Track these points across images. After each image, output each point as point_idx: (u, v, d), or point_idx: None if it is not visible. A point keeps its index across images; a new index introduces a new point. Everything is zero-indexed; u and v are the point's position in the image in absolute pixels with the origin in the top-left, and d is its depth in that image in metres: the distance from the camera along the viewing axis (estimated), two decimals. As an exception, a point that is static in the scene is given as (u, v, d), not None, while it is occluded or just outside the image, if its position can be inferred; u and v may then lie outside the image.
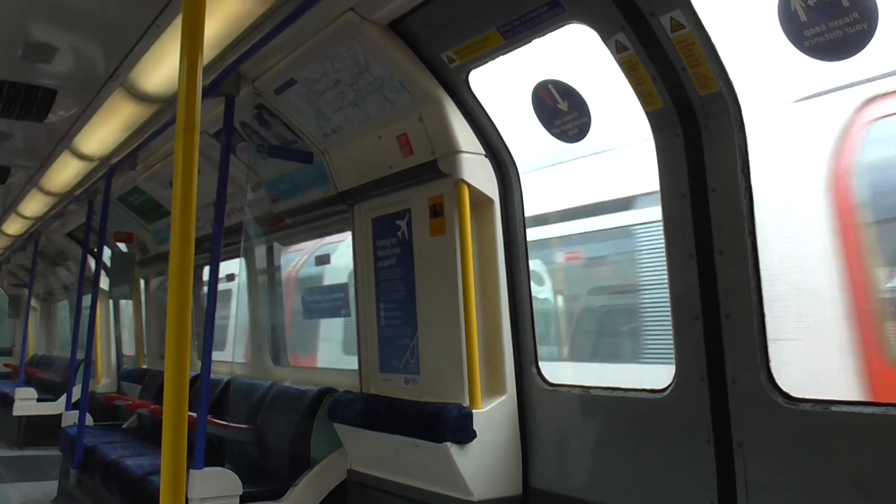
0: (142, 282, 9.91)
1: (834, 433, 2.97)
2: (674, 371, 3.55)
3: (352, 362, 5.57)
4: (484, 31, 3.95)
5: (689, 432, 3.46)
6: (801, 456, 3.06)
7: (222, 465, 4.87)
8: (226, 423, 5.89)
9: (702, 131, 3.37)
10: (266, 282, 7.12)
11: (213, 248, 4.96)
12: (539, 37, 3.82)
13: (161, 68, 4.99)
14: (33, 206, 9.70)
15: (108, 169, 7.35)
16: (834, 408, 2.98)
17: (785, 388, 3.15)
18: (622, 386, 3.89)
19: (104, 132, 6.42)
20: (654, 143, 3.59)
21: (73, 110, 6.13)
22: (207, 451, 4.71)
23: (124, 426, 8.63)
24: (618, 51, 3.44)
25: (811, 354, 3.66)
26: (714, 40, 3.19)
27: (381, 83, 4.50)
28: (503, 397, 4.35)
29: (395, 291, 4.93)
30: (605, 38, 3.47)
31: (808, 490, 3.04)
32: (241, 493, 4.74)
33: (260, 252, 7.03)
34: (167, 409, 2.87)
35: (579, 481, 4.06)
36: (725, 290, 3.32)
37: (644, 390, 3.74)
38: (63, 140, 6.84)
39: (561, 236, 6.28)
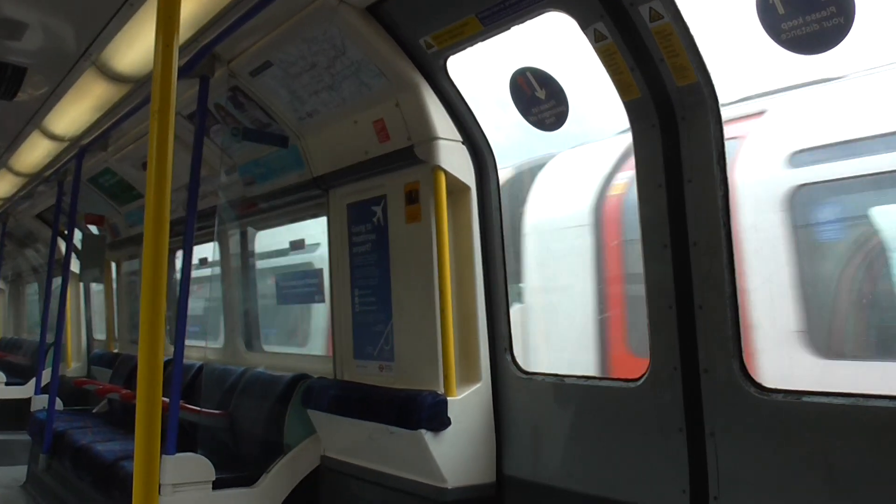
0: (113, 265, 9.81)
1: (804, 423, 3.00)
2: (648, 360, 3.57)
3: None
4: (463, 16, 3.93)
5: (661, 421, 3.48)
6: (772, 445, 3.09)
7: (195, 451, 4.84)
8: (198, 408, 5.85)
9: (679, 122, 3.38)
10: (240, 266, 7.07)
11: (186, 231, 4.91)
12: (518, 24, 3.81)
13: (134, 48, 4.91)
14: (1, 186, 9.55)
15: (78, 149, 7.23)
16: (805, 398, 3.01)
17: (757, 379, 3.18)
18: (596, 375, 3.91)
19: (75, 112, 6.32)
20: (631, 133, 3.59)
21: (43, 89, 6.02)
22: (180, 437, 4.68)
23: (94, 411, 8.54)
24: (596, 40, 3.43)
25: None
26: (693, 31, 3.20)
27: (357, 67, 4.47)
28: (478, 385, 4.36)
29: (370, 278, 4.91)
30: (583, 27, 3.46)
31: (779, 479, 3.08)
32: (213, 478, 4.71)
33: (234, 236, 6.97)
34: (140, 393, 2.85)
35: (553, 469, 4.07)
36: (699, 280, 3.34)
37: (618, 379, 3.76)
38: (33, 119, 6.72)
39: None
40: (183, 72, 4.80)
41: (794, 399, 3.04)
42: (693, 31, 3.21)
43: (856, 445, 2.86)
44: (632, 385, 3.65)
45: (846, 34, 2.81)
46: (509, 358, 4.36)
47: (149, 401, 2.85)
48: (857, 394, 2.89)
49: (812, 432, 2.98)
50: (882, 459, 2.79)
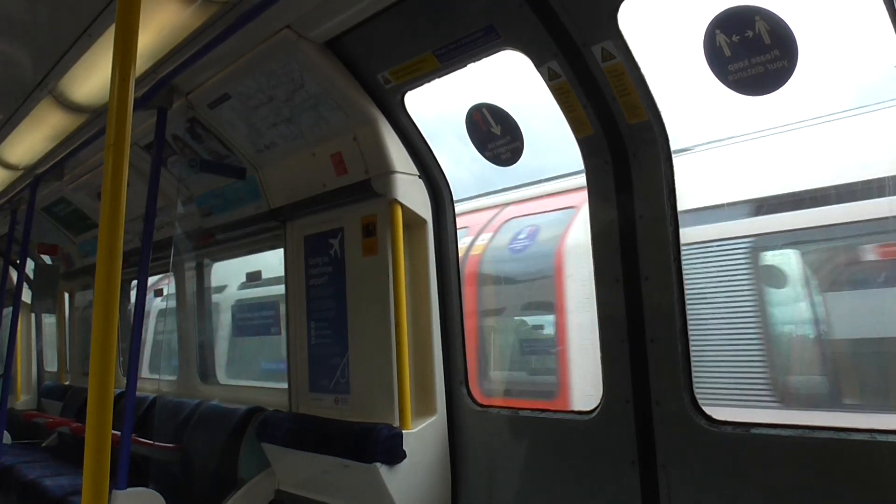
0: (66, 295, 9.65)
1: (754, 455, 3.05)
2: (601, 393, 3.60)
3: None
4: (420, 53, 3.99)
5: (614, 453, 3.51)
6: (723, 477, 3.14)
7: (146, 486, 4.76)
8: (151, 441, 5.77)
9: (630, 159, 3.45)
10: (195, 298, 7.00)
11: (141, 262, 4.86)
12: (474, 61, 3.87)
13: (92, 78, 4.89)
14: (-46, 214, 9.37)
15: (33, 178, 7.14)
16: (754, 430, 3.07)
17: (707, 411, 3.23)
18: (550, 408, 3.94)
19: (30, 141, 6.26)
20: (584, 168, 3.66)
21: (-2, 117, 5.97)
22: (131, 471, 4.59)
23: (44, 444, 8.37)
24: (550, 78, 3.50)
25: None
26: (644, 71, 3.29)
27: (316, 101, 4.50)
28: (433, 418, 4.36)
29: (327, 310, 4.91)
30: (538, 65, 3.53)
31: None
32: (165, 513, 4.64)
33: (189, 267, 6.91)
34: (90, 426, 2.81)
35: (507, 502, 4.08)
36: (651, 314, 3.39)
37: (571, 412, 3.79)
38: (-14, 148, 6.64)
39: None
40: (140, 103, 4.79)
41: (744, 431, 3.09)
42: (644, 70, 3.30)
43: (803, 476, 2.92)
44: (585, 418, 3.68)
45: (789, 77, 2.91)
46: (465, 390, 4.37)
47: (98, 434, 2.81)
48: (804, 426, 2.95)
49: (761, 464, 3.03)
50: (828, 489, 2.85)
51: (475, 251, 6.25)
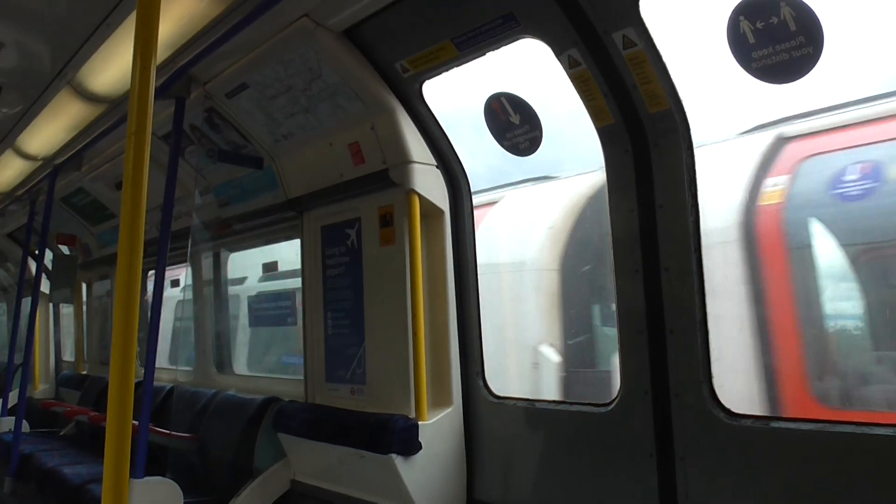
0: (84, 285, 9.71)
1: (773, 448, 3.02)
2: (619, 385, 3.58)
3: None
4: (438, 41, 3.96)
5: (632, 446, 3.48)
6: (742, 470, 3.11)
7: (163, 475, 4.78)
8: (168, 431, 5.79)
9: (651, 148, 3.41)
10: (212, 287, 7.02)
11: (160, 252, 4.87)
12: (493, 50, 3.84)
13: (110, 68, 4.90)
14: (-27, 205, 9.45)
15: (52, 169, 7.19)
16: (773, 423, 3.03)
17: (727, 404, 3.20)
18: (567, 399, 3.91)
19: (49, 131, 6.29)
20: (603, 157, 3.62)
21: (17, 108, 5.99)
22: (148, 460, 4.61)
23: (62, 433, 8.42)
24: (570, 66, 3.47)
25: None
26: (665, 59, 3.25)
27: (333, 90, 4.48)
28: (449, 409, 4.34)
29: (343, 300, 4.90)
30: (557, 53, 3.50)
31: None
32: (182, 502, 4.64)
33: (207, 257, 6.93)
34: (111, 416, 2.82)
35: (523, 494, 4.06)
36: (670, 305, 3.36)
37: (589, 404, 3.76)
38: (6, 138, 6.68)
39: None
40: (159, 93, 4.77)
41: (763, 425, 3.06)
42: (665, 58, 3.26)
43: (822, 471, 2.88)
44: (602, 410, 3.65)
45: (815, 64, 2.87)
46: (481, 382, 4.35)
47: (119, 423, 2.83)
48: (824, 420, 2.92)
49: (779, 458, 3.00)
50: (848, 485, 2.81)
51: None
